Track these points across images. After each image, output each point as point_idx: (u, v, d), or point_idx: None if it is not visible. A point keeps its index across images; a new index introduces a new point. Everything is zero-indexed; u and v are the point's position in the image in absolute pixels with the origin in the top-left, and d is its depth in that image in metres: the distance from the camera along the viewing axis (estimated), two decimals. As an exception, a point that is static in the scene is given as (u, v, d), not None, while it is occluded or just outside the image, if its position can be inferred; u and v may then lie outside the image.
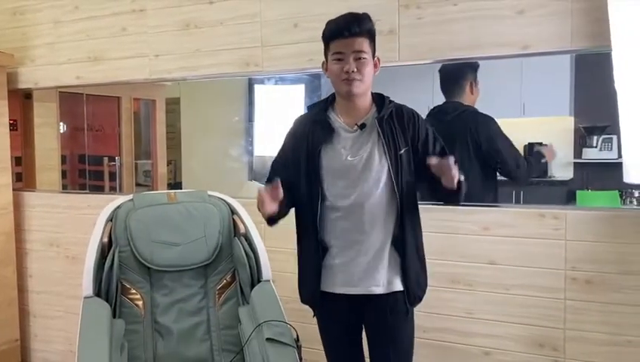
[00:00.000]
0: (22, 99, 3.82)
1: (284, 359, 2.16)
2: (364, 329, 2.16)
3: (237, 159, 3.96)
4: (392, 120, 2.02)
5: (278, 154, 2.21)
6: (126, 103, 4.07)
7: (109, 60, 3.43)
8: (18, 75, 3.72)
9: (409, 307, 2.05)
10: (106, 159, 4.05)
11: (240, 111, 3.91)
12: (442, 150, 2.05)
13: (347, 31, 1.93)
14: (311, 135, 2.05)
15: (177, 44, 3.22)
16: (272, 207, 1.95)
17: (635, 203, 2.69)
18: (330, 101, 2.11)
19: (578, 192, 2.75)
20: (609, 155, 2.76)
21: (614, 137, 2.76)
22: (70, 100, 3.88)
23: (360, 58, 1.95)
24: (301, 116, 2.20)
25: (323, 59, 2.10)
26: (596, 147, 2.82)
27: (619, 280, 2.39)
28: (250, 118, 3.97)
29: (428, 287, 2.14)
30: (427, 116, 2.80)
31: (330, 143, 2.03)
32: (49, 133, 3.87)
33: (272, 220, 2.07)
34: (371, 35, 1.98)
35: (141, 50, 3.33)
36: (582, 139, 2.83)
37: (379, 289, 2.02)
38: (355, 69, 1.94)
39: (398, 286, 2.03)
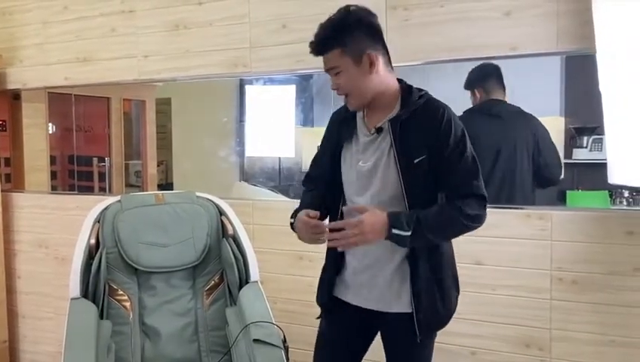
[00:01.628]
0: (10, 100, 3.80)
1: (271, 360, 2.17)
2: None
3: (228, 160, 3.96)
4: (411, 121, 1.78)
5: (318, 148, 2.09)
6: (116, 104, 4.06)
7: (98, 61, 3.43)
8: (6, 75, 3.71)
9: (417, 333, 1.82)
10: (95, 160, 4.03)
11: (231, 111, 3.90)
12: (457, 163, 1.77)
13: (315, 53, 1.82)
14: (337, 132, 1.95)
15: (166, 45, 3.22)
16: (313, 239, 1.85)
17: (624, 203, 2.70)
18: None
19: (568, 192, 2.76)
20: (599, 156, 2.76)
21: (604, 138, 2.77)
22: (59, 101, 3.86)
23: (336, 73, 1.80)
24: (337, 111, 2.04)
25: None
26: (586, 147, 2.82)
27: (604, 280, 2.41)
28: (241, 119, 3.97)
29: None
30: (476, 112, 2.81)
31: (350, 144, 1.90)
32: (38, 134, 3.85)
33: None
34: (342, 44, 1.77)
35: (130, 50, 3.32)
36: (572, 139, 2.83)
37: (385, 307, 1.87)
38: (336, 87, 1.82)
39: (403, 307, 1.84)
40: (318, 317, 2.09)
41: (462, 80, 2.82)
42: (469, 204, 1.76)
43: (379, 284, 1.87)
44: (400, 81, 1.88)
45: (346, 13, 1.79)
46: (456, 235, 1.85)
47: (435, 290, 1.83)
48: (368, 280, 1.89)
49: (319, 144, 2.09)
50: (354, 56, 1.77)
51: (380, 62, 1.80)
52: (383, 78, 1.82)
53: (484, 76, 2.80)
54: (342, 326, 2.01)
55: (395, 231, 1.71)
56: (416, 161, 1.76)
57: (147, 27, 3.27)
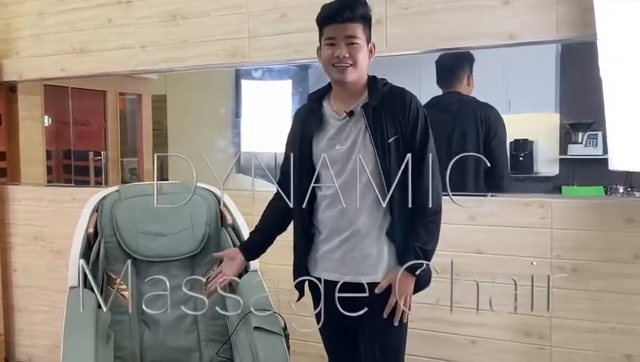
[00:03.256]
0: (6, 93, 3.78)
1: (272, 347, 2.16)
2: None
3: (223, 156, 3.94)
4: (382, 106, 1.94)
5: (284, 155, 2.17)
6: (112, 97, 4.03)
7: (95, 52, 3.41)
8: (2, 67, 3.68)
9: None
10: (91, 154, 4.01)
11: (227, 106, 3.89)
12: (422, 146, 1.94)
13: (339, 16, 1.88)
14: (304, 125, 2.04)
15: (164, 36, 3.21)
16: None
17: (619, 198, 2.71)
18: (327, 89, 2.08)
19: (564, 188, 2.78)
20: (594, 151, 2.78)
21: (599, 133, 2.79)
22: (55, 94, 3.84)
23: (352, 43, 1.90)
24: (299, 108, 2.17)
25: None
26: (581, 143, 2.84)
27: (604, 268, 2.42)
28: (237, 114, 3.96)
29: None
30: (428, 106, 2.80)
31: (321, 132, 2.00)
32: (34, 127, 3.83)
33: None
34: (366, 20, 1.92)
35: (127, 41, 3.31)
36: (567, 135, 2.85)
37: (366, 279, 1.93)
38: (347, 55, 1.90)
39: (381, 276, 1.96)
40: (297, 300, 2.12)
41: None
42: (436, 195, 1.93)
43: (346, 251, 1.98)
44: None
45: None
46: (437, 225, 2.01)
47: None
48: (337, 247, 1.99)
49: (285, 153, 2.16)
50: (368, 38, 1.94)
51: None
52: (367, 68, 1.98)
53: (440, 70, 2.85)
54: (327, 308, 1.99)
55: (417, 272, 1.91)
56: (389, 140, 1.91)
57: (144, 17, 3.25)
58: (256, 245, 2.22)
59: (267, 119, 3.59)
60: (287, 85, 3.50)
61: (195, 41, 3.13)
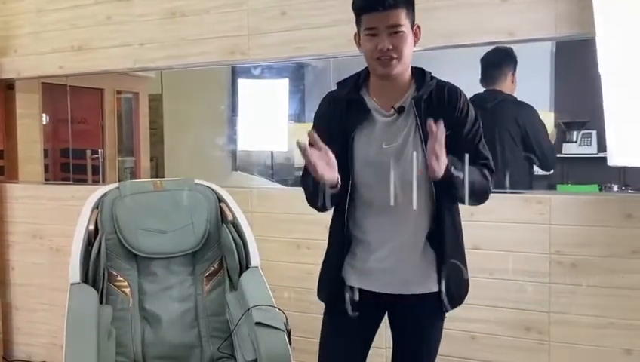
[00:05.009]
0: (4, 90, 3.77)
1: (274, 342, 2.16)
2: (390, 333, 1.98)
3: (220, 155, 3.95)
4: (431, 100, 1.77)
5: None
6: (109, 95, 4.04)
7: (93, 49, 3.41)
8: (0, 65, 3.67)
9: (446, 308, 1.85)
10: (88, 152, 4.01)
11: (223, 105, 3.90)
12: (475, 139, 1.81)
13: (381, 5, 1.67)
14: (344, 117, 1.81)
15: (163, 33, 3.20)
16: (329, 173, 1.67)
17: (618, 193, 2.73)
18: (363, 78, 1.86)
19: (558, 186, 2.80)
20: (588, 150, 2.80)
21: (594, 132, 2.81)
22: (53, 92, 3.84)
23: (397, 32, 1.69)
24: (330, 94, 1.92)
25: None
26: (576, 142, 2.86)
27: (603, 263, 2.43)
28: (233, 112, 3.96)
29: None
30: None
31: (365, 128, 1.79)
32: (32, 125, 3.82)
33: (329, 199, 1.74)
34: (409, 3, 1.73)
35: (126, 39, 3.30)
36: (562, 134, 2.87)
37: (412, 289, 1.83)
38: (391, 46, 1.70)
39: (434, 286, 1.82)
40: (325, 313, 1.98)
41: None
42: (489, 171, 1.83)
43: (404, 269, 1.83)
44: None
45: None
46: (483, 195, 1.86)
47: (457, 268, 1.84)
48: (392, 266, 1.83)
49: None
50: (412, 22, 1.75)
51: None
52: (411, 55, 1.77)
53: (485, 67, 2.83)
54: (351, 315, 1.86)
55: (453, 171, 1.66)
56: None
57: (143, 15, 3.25)
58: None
59: (264, 117, 3.60)
60: (284, 83, 3.51)
61: (194, 39, 3.13)
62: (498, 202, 2.56)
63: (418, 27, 1.77)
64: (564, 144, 2.89)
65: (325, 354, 1.97)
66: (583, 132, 2.83)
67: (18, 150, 3.81)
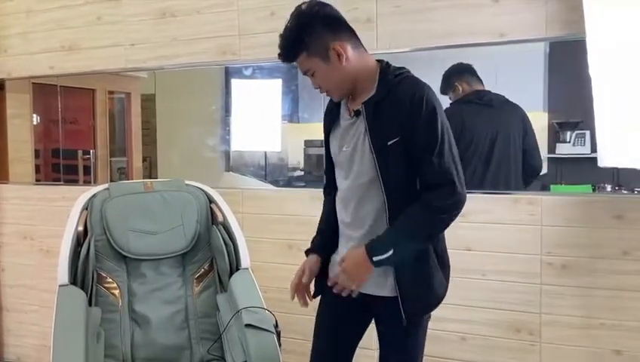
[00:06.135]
0: (-6, 91, 3.75)
1: (264, 345, 2.16)
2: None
3: (213, 155, 3.93)
4: (385, 102, 1.73)
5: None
6: (101, 96, 4.01)
7: (84, 50, 3.39)
8: (-10, 65, 3.66)
9: (404, 317, 1.77)
10: (80, 152, 3.99)
11: (216, 105, 3.88)
12: (427, 149, 1.69)
13: (284, 61, 1.81)
14: (328, 118, 1.96)
15: (153, 33, 3.19)
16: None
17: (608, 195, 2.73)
18: None
19: (552, 186, 2.80)
20: (582, 150, 2.79)
21: (587, 132, 2.80)
22: (44, 92, 3.82)
23: (312, 74, 1.80)
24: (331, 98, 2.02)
25: None
26: (569, 142, 2.85)
27: (594, 264, 2.43)
28: (227, 113, 3.95)
29: None
30: (464, 102, 2.80)
31: (335, 130, 1.91)
32: (22, 125, 3.80)
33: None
34: (305, 46, 1.75)
35: (116, 39, 3.29)
36: (555, 134, 2.86)
37: (366, 289, 1.82)
38: (316, 85, 1.83)
39: (387, 291, 1.79)
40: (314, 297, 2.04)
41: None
42: (438, 195, 1.71)
43: None
44: (380, 61, 1.84)
45: (298, 16, 1.77)
46: (441, 230, 1.82)
47: (418, 275, 1.78)
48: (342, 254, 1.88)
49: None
50: (320, 54, 1.75)
51: (349, 49, 1.76)
52: (356, 63, 1.78)
53: (461, 71, 2.81)
54: (339, 311, 1.95)
55: (376, 258, 1.71)
56: (389, 143, 1.71)
57: (133, 15, 3.24)
58: (325, 246, 1.98)
59: (257, 117, 3.59)
60: (277, 84, 3.49)
61: (185, 39, 3.12)
62: (489, 203, 2.56)
63: (335, 47, 1.74)
64: (557, 144, 2.88)
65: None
66: (576, 132, 2.82)
67: (8, 150, 3.78)
